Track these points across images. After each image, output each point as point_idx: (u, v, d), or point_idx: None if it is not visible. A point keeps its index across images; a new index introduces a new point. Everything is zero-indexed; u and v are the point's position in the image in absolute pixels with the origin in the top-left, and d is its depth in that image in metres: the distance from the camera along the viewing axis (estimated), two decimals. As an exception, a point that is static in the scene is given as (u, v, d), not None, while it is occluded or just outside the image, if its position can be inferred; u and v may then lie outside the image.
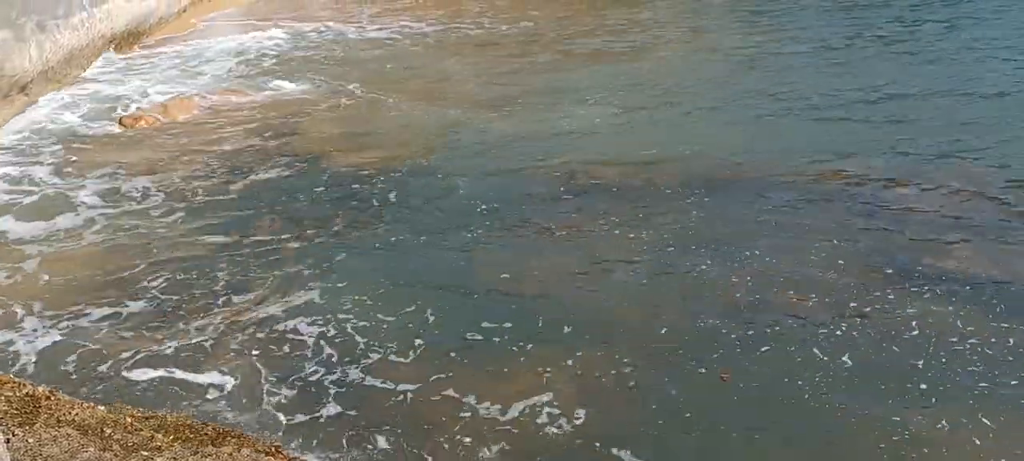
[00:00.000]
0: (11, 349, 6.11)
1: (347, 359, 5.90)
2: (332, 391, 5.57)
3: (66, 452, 4.37)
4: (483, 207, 8.29)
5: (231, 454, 4.51)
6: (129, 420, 4.67)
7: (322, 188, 8.91)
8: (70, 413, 4.68)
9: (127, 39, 13.34)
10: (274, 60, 14.73)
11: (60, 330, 6.31)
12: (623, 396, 5.46)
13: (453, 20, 17.68)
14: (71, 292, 6.87)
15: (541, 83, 12.74)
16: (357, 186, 8.92)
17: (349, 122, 11.23)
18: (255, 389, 5.57)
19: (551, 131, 10.51)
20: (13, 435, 4.46)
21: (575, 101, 11.74)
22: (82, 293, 6.84)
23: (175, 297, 6.77)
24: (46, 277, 7.13)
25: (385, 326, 6.28)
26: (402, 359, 5.89)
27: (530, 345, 5.99)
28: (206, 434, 4.68)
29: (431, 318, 6.37)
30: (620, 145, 9.87)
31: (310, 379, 5.69)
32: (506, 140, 10.26)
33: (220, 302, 6.68)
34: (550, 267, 7.09)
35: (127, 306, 6.65)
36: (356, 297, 6.68)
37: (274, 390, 5.56)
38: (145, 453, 4.44)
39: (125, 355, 5.96)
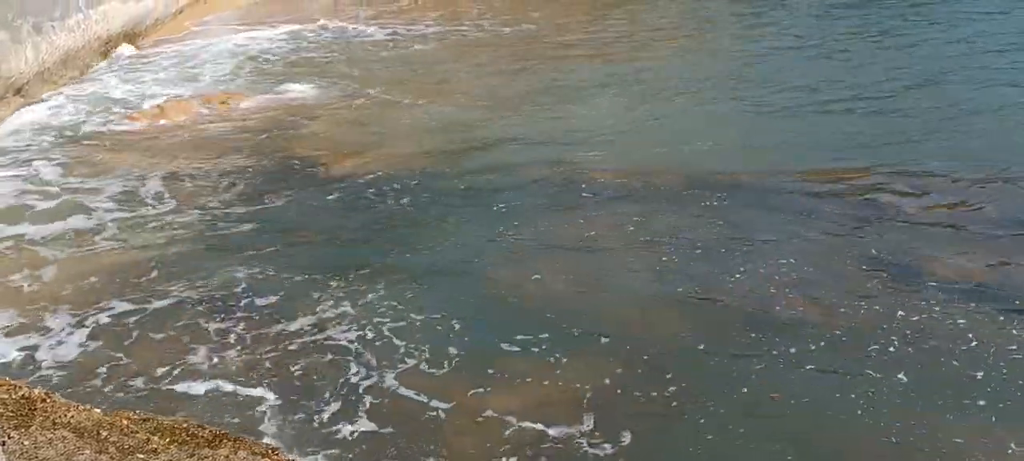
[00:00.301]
0: (37, 357, 6.08)
1: (381, 371, 5.80)
2: (367, 405, 5.47)
3: (62, 455, 4.40)
4: (503, 208, 8.28)
5: (227, 456, 4.55)
6: (125, 422, 4.71)
7: (336, 193, 8.87)
8: (66, 415, 4.72)
9: (123, 40, 13.55)
10: (276, 62, 14.73)
11: (86, 337, 6.29)
12: (667, 416, 5.31)
13: (451, 22, 17.74)
14: (92, 296, 6.85)
15: (551, 85, 12.73)
16: (372, 190, 8.88)
17: (360, 125, 11.21)
18: (294, 403, 5.50)
19: (568, 132, 10.49)
20: (8, 438, 4.49)
21: (590, 102, 11.72)
22: (103, 298, 6.82)
23: (197, 301, 6.75)
24: (65, 282, 7.11)
25: (417, 336, 6.19)
26: (437, 371, 5.81)
27: (566, 359, 5.86)
28: (203, 437, 4.71)
29: (461, 327, 6.28)
30: (637, 147, 9.88)
31: (346, 392, 5.60)
32: (523, 141, 10.25)
33: (243, 306, 6.66)
34: (580, 274, 7.02)
35: (150, 312, 6.63)
36: (384, 304, 6.61)
37: (312, 405, 5.49)
38: (141, 456, 4.47)
39: (155, 364, 5.93)
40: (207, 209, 8.55)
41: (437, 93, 12.55)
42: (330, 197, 8.79)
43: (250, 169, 9.61)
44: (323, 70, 14.03)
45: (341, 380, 5.73)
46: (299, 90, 12.83)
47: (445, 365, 5.87)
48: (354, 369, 5.84)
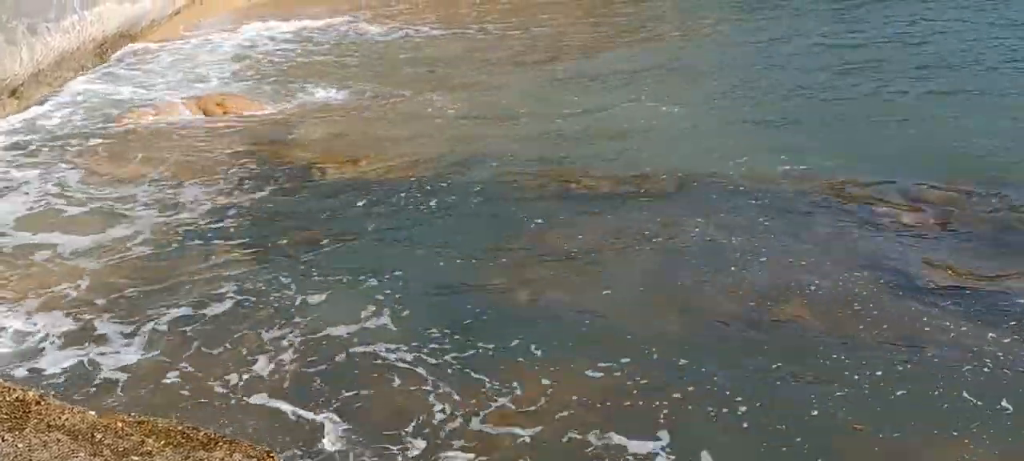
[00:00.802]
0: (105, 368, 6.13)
1: (451, 395, 5.72)
2: (454, 438, 5.36)
3: (56, 457, 4.49)
4: (539, 222, 8.20)
5: (222, 459, 4.63)
6: (120, 425, 4.79)
7: (363, 198, 8.87)
8: (60, 418, 4.80)
9: (119, 42, 13.62)
10: (283, 63, 14.78)
11: (143, 349, 6.33)
12: (744, 440, 5.26)
13: (450, 24, 17.82)
14: (139, 306, 6.89)
15: (560, 85, 12.87)
16: (403, 193, 8.93)
17: (390, 125, 11.30)
18: (364, 429, 5.45)
19: (614, 131, 10.61)
20: (3, 440, 4.58)
21: (629, 96, 11.90)
22: (150, 308, 6.86)
23: (246, 308, 6.82)
24: (108, 291, 7.13)
25: (486, 356, 6.12)
26: (531, 406, 5.63)
27: (644, 381, 5.76)
28: (198, 439, 4.79)
29: (538, 351, 6.15)
30: (655, 149, 9.96)
31: (418, 418, 5.53)
32: (551, 141, 10.35)
33: (293, 317, 6.68)
34: (644, 293, 6.95)
35: (201, 322, 6.68)
36: (434, 317, 6.56)
37: (382, 429, 5.42)
38: (136, 458, 4.55)
39: (216, 379, 5.97)
40: (244, 215, 8.58)
41: (456, 93, 12.61)
42: (360, 202, 8.81)
43: (279, 172, 9.65)
44: (334, 71, 14.09)
45: (415, 405, 5.65)
46: (314, 91, 12.93)
47: (541, 394, 5.74)
48: (428, 394, 5.76)
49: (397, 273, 7.28)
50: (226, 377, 5.97)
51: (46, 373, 6.01)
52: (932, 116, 10.70)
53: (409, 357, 6.15)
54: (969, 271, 7.00)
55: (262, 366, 6.10)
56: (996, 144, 9.57)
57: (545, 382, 5.81)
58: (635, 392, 5.70)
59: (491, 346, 6.25)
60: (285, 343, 6.37)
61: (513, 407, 5.62)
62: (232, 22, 18.11)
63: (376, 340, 6.38)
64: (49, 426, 4.74)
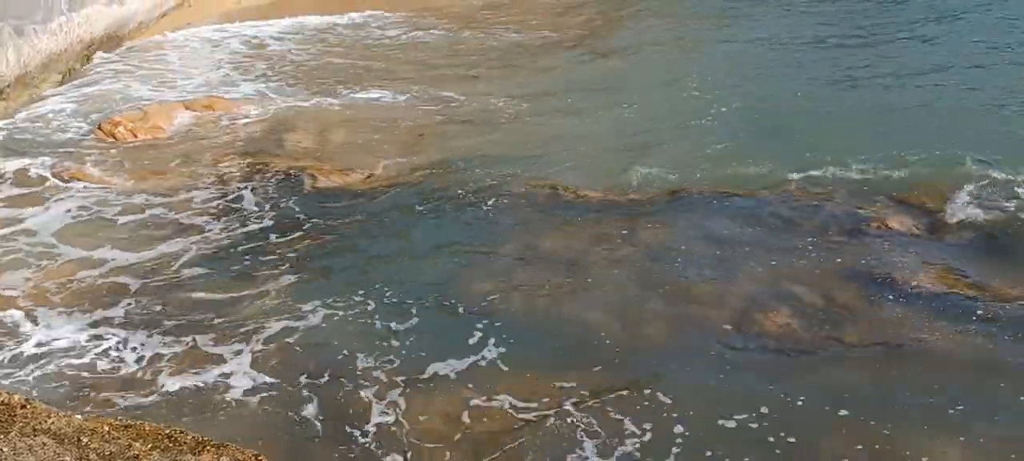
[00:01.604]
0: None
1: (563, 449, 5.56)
2: None
3: (41, 461, 4.51)
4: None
5: (210, 462, 4.66)
6: (106, 429, 4.81)
7: (404, 205, 8.93)
8: (46, 422, 4.81)
9: (106, 43, 13.55)
10: (294, 63, 14.85)
11: (250, 375, 6.36)
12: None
13: (454, 23, 17.90)
14: (213, 329, 6.86)
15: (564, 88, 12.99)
16: (442, 192, 9.03)
17: (398, 127, 11.40)
18: None
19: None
20: (-12, 444, 4.60)
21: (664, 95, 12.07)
22: (224, 330, 6.83)
23: (347, 321, 6.83)
24: (176, 312, 7.14)
25: (586, 407, 5.89)
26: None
27: (781, 426, 5.54)
28: (185, 443, 4.81)
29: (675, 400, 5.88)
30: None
31: None
32: (562, 138, 10.51)
33: (381, 348, 6.60)
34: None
35: (294, 336, 6.68)
36: (526, 347, 6.50)
37: None
38: (122, 462, 4.58)
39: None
40: (291, 226, 8.57)
41: (474, 94, 12.77)
42: (408, 208, 8.86)
43: (304, 178, 9.70)
44: (346, 74, 14.17)
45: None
46: (342, 92, 13.01)
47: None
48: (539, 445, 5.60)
49: (484, 302, 7.15)
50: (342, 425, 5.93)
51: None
52: (918, 121, 10.80)
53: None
54: (956, 276, 7.09)
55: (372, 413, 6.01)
56: (984, 148, 9.64)
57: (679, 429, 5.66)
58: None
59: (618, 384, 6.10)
60: (382, 375, 6.28)
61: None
62: (228, 23, 18.06)
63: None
64: (34, 430, 4.76)
